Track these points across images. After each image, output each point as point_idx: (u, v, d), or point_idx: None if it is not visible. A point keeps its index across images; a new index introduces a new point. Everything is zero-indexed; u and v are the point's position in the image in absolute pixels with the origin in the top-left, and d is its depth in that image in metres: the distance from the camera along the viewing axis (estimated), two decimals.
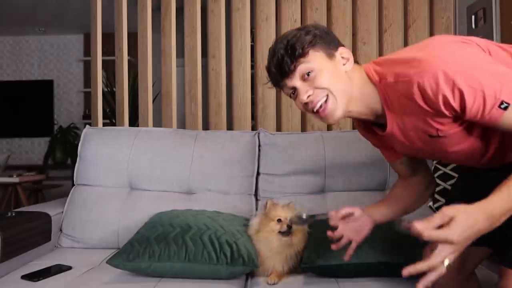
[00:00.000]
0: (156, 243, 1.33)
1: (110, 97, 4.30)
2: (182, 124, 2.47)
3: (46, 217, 1.67)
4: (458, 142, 0.94)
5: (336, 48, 1.00)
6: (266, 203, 1.43)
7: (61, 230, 1.76)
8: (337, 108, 0.98)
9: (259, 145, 1.89)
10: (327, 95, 0.97)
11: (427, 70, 0.84)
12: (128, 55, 2.49)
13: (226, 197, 1.80)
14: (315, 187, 1.82)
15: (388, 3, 2.31)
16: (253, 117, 2.42)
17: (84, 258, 1.54)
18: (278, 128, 2.38)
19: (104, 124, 2.46)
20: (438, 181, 1.66)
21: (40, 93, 5.77)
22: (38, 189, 4.59)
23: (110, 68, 3.31)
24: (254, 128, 2.39)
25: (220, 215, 1.55)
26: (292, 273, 1.36)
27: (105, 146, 1.86)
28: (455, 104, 0.83)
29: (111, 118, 4.09)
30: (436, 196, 1.65)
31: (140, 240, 1.36)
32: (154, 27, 2.43)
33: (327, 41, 1.00)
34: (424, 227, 0.76)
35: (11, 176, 3.82)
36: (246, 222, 1.53)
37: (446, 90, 0.82)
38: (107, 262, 1.33)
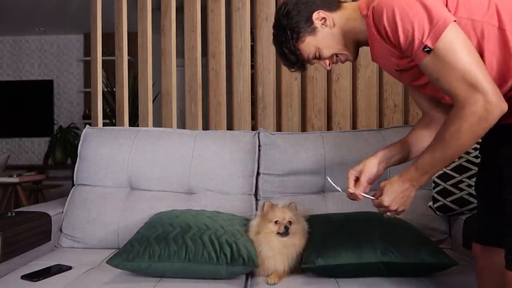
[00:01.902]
0: (156, 243, 1.33)
1: (110, 97, 4.30)
2: (182, 124, 2.47)
3: (46, 217, 1.67)
4: (418, 76, 1.03)
5: (311, 20, 1.09)
6: (264, 205, 1.43)
7: (61, 230, 1.76)
8: (349, 57, 1.15)
9: (259, 145, 1.89)
10: (336, 56, 1.14)
11: (380, 3, 0.95)
12: (128, 55, 2.49)
13: (226, 197, 1.80)
14: (315, 187, 1.82)
15: None
16: (253, 117, 2.42)
17: (84, 258, 1.54)
18: (278, 128, 2.38)
19: (104, 124, 2.46)
20: (438, 181, 1.66)
21: (40, 93, 5.77)
22: (38, 189, 4.59)
23: (110, 68, 3.31)
24: (254, 128, 2.39)
25: (220, 215, 1.55)
26: (293, 273, 1.36)
27: (105, 146, 1.86)
28: (393, 39, 0.94)
29: (111, 118, 4.09)
30: (436, 196, 1.65)
31: (140, 240, 1.36)
32: (154, 27, 2.43)
33: (303, 19, 1.10)
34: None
35: (11, 176, 3.82)
36: (246, 222, 1.53)
37: (387, 25, 0.94)
38: (107, 262, 1.33)
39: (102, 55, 2.42)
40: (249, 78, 2.37)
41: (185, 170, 1.82)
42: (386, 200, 1.03)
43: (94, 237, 1.71)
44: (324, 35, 1.11)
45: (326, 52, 1.13)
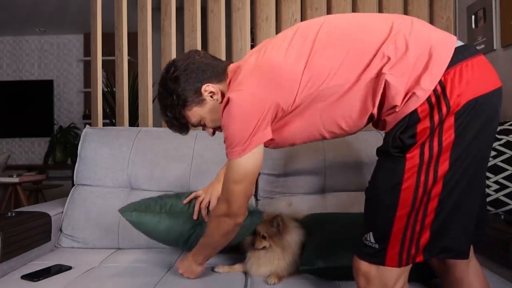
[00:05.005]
0: (167, 197, 1.45)
1: (110, 97, 4.30)
2: None
3: (46, 217, 1.67)
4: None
5: (199, 91, 1.12)
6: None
7: (61, 230, 1.75)
8: None
9: None
10: (221, 128, 1.14)
11: (225, 106, 1.04)
12: (128, 55, 2.49)
13: None
14: (315, 187, 1.82)
15: (388, 3, 2.32)
16: None
17: (84, 258, 1.54)
18: None
19: (104, 124, 2.46)
20: None
21: (40, 93, 5.76)
22: (38, 189, 4.59)
23: (110, 68, 3.31)
24: None
25: None
26: (293, 273, 1.36)
27: (105, 146, 1.86)
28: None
29: (111, 118, 4.09)
30: None
31: (150, 199, 1.46)
32: (154, 27, 2.43)
33: (192, 88, 1.11)
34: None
35: (11, 176, 3.81)
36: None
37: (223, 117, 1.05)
38: (118, 211, 1.41)
39: (102, 55, 2.42)
40: None
41: (185, 170, 1.82)
42: (179, 267, 1.34)
43: (94, 237, 1.71)
44: (211, 107, 1.14)
45: (211, 124, 1.18)
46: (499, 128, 1.63)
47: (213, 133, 1.22)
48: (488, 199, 1.56)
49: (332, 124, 1.04)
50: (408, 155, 0.90)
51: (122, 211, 1.40)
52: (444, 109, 0.88)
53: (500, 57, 1.88)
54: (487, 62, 0.94)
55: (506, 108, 1.84)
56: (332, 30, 1.01)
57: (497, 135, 1.60)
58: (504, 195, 1.53)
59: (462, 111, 0.88)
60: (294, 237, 1.39)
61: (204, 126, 1.21)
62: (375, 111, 0.98)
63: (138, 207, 1.40)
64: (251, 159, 1.04)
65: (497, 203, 1.55)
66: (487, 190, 1.56)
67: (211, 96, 1.12)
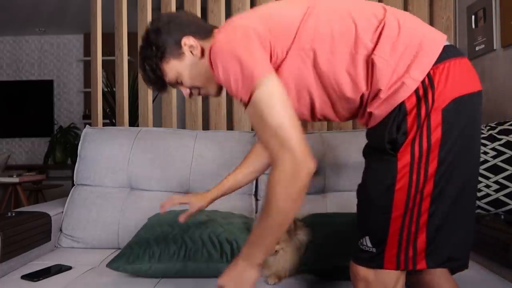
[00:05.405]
0: (155, 243, 1.33)
1: (110, 97, 4.30)
2: (182, 124, 2.47)
3: (46, 217, 1.67)
4: None
5: (179, 44, 1.06)
6: None
7: (61, 230, 1.76)
8: (210, 92, 1.13)
9: None
10: (198, 88, 1.12)
11: (212, 53, 0.94)
12: (128, 55, 2.49)
13: (226, 197, 1.78)
14: (315, 187, 1.82)
15: (388, 3, 2.31)
16: None
17: (84, 258, 1.54)
18: None
19: (104, 124, 2.46)
20: None
21: (40, 93, 5.76)
22: (38, 189, 4.59)
23: (110, 68, 3.31)
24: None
25: (217, 213, 1.55)
26: (293, 273, 1.36)
27: (105, 146, 1.86)
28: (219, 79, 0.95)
29: (111, 118, 4.09)
30: None
31: (139, 242, 1.36)
32: None
33: (172, 40, 1.06)
34: None
35: (11, 176, 3.81)
36: (246, 220, 1.53)
37: (217, 76, 0.94)
38: (107, 266, 1.33)
39: (102, 55, 2.42)
40: None
41: (185, 170, 1.82)
42: (220, 282, 1.01)
43: (94, 237, 1.71)
44: (189, 63, 1.08)
45: (187, 82, 1.10)
46: (499, 128, 1.63)
47: (190, 95, 1.14)
48: (488, 199, 1.56)
49: (323, 86, 0.97)
50: (399, 154, 0.89)
51: (110, 264, 1.33)
52: (430, 102, 0.88)
53: (500, 57, 1.88)
54: (471, 65, 0.95)
55: (506, 108, 1.84)
56: (327, 7, 0.99)
57: (497, 135, 1.60)
58: (504, 195, 1.53)
59: (449, 108, 0.88)
60: (304, 236, 1.40)
61: (180, 86, 1.13)
62: (365, 91, 0.93)
63: (126, 259, 1.32)
64: (270, 84, 0.90)
65: (497, 203, 1.55)
66: (487, 190, 1.56)
67: (191, 52, 1.07)
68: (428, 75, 0.89)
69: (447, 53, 0.91)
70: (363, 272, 0.96)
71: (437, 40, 0.93)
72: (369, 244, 0.94)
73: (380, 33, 0.92)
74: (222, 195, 1.33)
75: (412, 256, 0.91)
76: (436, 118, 0.87)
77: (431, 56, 0.90)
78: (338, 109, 1.00)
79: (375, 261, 0.93)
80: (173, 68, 1.08)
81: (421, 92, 0.88)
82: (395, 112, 0.90)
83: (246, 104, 0.94)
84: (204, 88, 1.12)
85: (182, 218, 1.28)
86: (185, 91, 1.13)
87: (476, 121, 0.94)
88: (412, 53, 0.90)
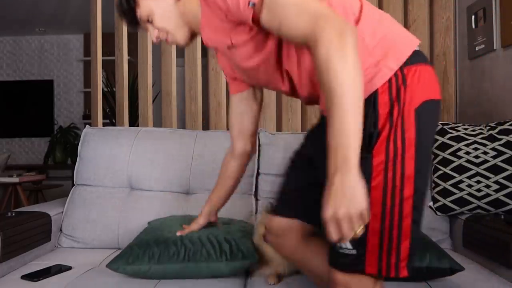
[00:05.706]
0: (155, 245, 1.33)
1: (110, 97, 4.30)
2: (182, 124, 2.47)
3: (46, 217, 1.67)
4: (250, 55, 1.00)
5: None
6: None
7: (61, 230, 1.76)
8: (178, 39, 1.13)
9: (259, 145, 1.89)
10: (167, 32, 1.11)
11: None
12: (128, 55, 2.49)
13: None
14: None
15: (388, 3, 2.31)
16: None
17: (84, 258, 1.54)
18: (278, 128, 2.37)
19: (104, 124, 2.47)
20: (438, 181, 1.66)
21: (40, 93, 5.77)
22: (38, 189, 4.59)
23: (110, 68, 3.31)
24: None
25: (218, 219, 1.55)
26: (293, 273, 1.36)
27: (105, 146, 1.86)
28: (221, 4, 0.90)
29: (111, 118, 4.10)
30: (436, 196, 1.65)
31: (139, 244, 1.36)
32: None
33: None
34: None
35: (11, 176, 3.81)
36: (244, 224, 1.54)
37: None
38: (106, 266, 1.33)
39: (102, 55, 2.42)
40: None
41: (185, 170, 1.82)
42: (328, 214, 0.76)
43: (94, 237, 1.71)
44: (164, 4, 1.08)
45: (158, 23, 1.10)
46: (499, 128, 1.63)
47: (157, 38, 1.13)
48: (488, 199, 1.56)
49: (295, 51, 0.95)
50: (374, 151, 0.88)
51: (110, 264, 1.33)
52: (403, 99, 0.88)
53: (500, 57, 1.88)
54: (435, 74, 0.97)
55: (506, 108, 1.84)
56: None
57: (497, 135, 1.60)
58: (504, 195, 1.53)
59: (421, 109, 0.88)
60: None
61: (149, 25, 1.12)
62: None
63: (126, 259, 1.31)
64: None
65: (497, 203, 1.55)
66: (487, 190, 1.56)
67: None
68: (402, 71, 0.90)
69: (419, 57, 0.93)
70: (343, 277, 0.92)
71: (413, 40, 0.95)
72: (349, 246, 0.90)
73: (361, 11, 0.94)
74: (209, 220, 1.44)
75: (395, 263, 0.88)
76: (409, 117, 0.88)
77: (406, 51, 0.91)
78: (302, 80, 1.00)
79: (356, 265, 0.90)
80: (147, 4, 1.09)
81: (394, 88, 0.89)
82: (370, 99, 0.90)
83: (256, 16, 0.87)
84: (172, 34, 1.12)
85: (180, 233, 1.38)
86: (154, 33, 1.13)
87: (436, 127, 0.95)
88: (389, 44, 0.92)
